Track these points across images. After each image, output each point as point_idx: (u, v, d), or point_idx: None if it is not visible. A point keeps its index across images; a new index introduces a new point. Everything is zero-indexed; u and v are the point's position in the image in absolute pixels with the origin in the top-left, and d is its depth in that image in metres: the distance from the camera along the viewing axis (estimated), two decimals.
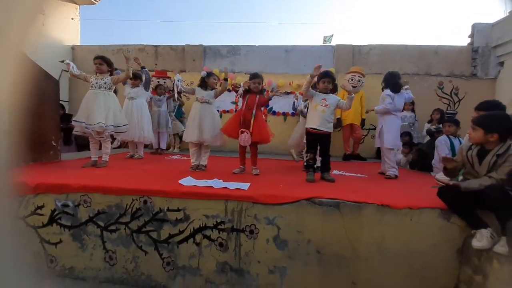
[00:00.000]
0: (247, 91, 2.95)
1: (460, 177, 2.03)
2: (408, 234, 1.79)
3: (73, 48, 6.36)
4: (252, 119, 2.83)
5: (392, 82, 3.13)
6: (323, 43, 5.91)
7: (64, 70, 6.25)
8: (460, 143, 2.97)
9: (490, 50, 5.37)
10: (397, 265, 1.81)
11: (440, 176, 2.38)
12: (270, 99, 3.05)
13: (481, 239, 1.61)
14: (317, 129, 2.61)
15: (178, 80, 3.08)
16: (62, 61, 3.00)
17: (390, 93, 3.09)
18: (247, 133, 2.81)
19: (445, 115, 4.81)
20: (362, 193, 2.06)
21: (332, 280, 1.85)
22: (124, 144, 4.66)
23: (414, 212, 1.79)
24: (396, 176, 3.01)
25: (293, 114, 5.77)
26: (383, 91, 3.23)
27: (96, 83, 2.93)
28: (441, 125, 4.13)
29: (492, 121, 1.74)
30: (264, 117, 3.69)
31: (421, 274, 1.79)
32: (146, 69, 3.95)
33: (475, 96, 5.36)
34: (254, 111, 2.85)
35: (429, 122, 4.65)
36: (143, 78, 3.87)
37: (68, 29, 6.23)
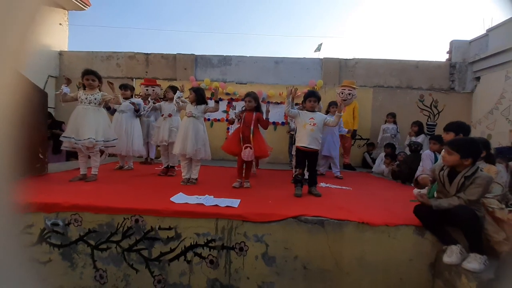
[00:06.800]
0: (243, 110, 3.07)
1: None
2: (386, 249, 1.93)
3: (60, 53, 6.25)
4: (251, 136, 2.93)
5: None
6: (314, 51, 6.18)
7: (51, 76, 6.17)
8: None
9: (467, 65, 5.73)
10: (376, 278, 1.94)
11: (416, 191, 2.56)
12: (268, 119, 3.09)
13: (451, 255, 1.76)
14: (307, 147, 2.73)
15: (178, 97, 3.12)
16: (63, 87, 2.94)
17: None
18: (250, 148, 2.88)
19: (426, 126, 5.10)
20: (345, 210, 2.19)
21: None
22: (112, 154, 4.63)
23: (391, 229, 1.94)
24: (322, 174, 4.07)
25: (283, 124, 5.92)
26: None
27: (86, 98, 2.93)
28: (419, 140, 4.44)
29: (467, 147, 1.87)
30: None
31: (398, 286, 1.93)
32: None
33: (453, 109, 5.72)
34: (252, 127, 2.94)
35: (411, 135, 4.87)
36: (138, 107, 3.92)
37: (56, 35, 6.13)
